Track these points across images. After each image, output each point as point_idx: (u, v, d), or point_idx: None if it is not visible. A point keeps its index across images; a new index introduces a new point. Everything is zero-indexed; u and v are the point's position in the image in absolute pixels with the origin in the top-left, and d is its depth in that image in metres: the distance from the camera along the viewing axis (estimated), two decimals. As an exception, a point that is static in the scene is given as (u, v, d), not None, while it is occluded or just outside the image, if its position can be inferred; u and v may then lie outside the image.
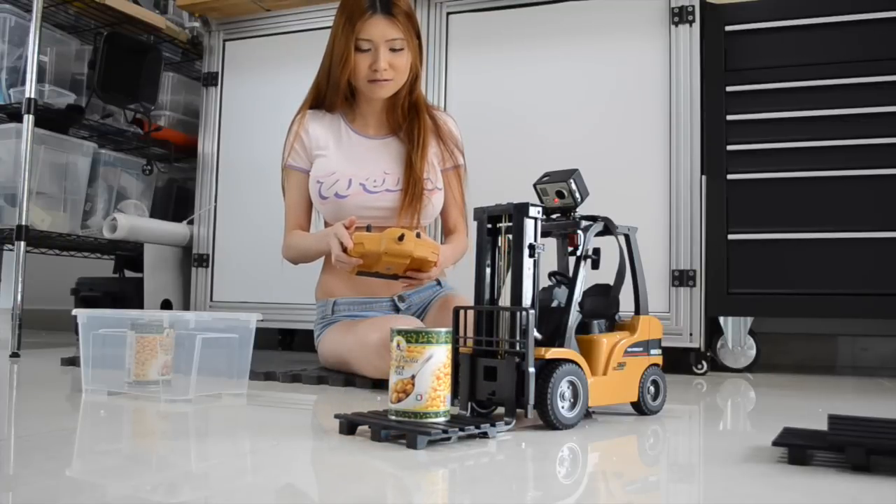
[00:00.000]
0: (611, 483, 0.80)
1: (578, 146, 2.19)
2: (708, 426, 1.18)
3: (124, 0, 2.48)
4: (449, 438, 0.94)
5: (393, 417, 0.99)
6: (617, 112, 2.17)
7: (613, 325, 1.21)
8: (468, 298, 1.76)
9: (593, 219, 1.19)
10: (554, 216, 1.23)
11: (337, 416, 1.01)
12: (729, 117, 2.06)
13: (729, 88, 2.07)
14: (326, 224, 1.78)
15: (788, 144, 2.02)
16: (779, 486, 0.76)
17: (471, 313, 1.13)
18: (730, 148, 2.06)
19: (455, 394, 1.10)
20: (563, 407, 1.06)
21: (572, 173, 1.19)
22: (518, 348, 1.04)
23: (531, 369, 1.02)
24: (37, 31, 2.16)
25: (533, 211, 1.09)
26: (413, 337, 0.98)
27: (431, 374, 0.98)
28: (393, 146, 1.77)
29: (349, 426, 0.99)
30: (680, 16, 2.12)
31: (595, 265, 1.16)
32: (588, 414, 1.19)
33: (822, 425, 0.88)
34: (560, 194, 1.20)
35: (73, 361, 1.79)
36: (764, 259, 2.02)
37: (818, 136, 1.99)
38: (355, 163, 1.73)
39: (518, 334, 1.04)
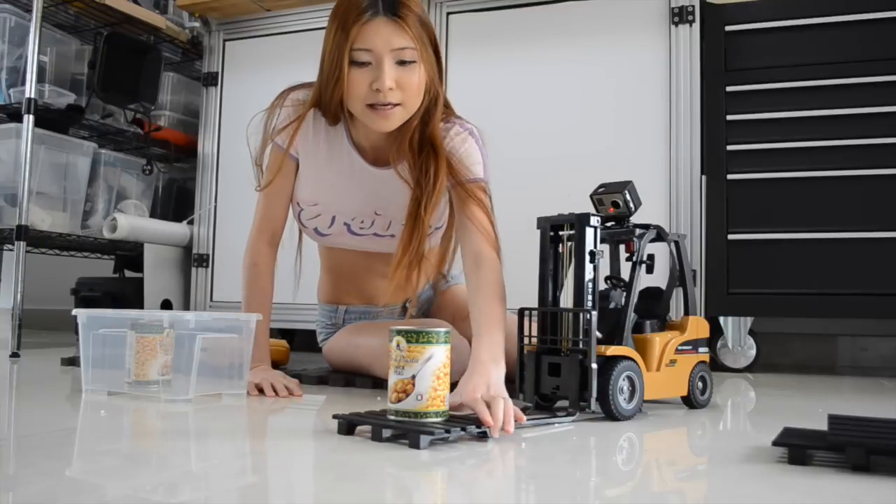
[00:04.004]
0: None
1: (578, 145, 2.19)
2: (708, 426, 1.18)
3: (124, 0, 2.48)
4: (450, 438, 0.94)
5: (392, 417, 0.99)
6: (616, 111, 2.17)
7: (664, 325, 1.29)
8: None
9: (646, 227, 1.27)
10: (608, 224, 1.30)
11: (335, 417, 1.01)
12: (729, 117, 2.06)
13: (729, 88, 2.07)
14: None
15: (788, 144, 2.01)
16: (779, 486, 0.76)
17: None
18: (730, 148, 2.06)
19: (520, 388, 1.20)
20: (622, 399, 1.14)
21: (626, 185, 1.27)
22: (581, 346, 1.13)
23: (594, 365, 1.11)
24: (37, 31, 2.16)
25: (593, 220, 1.18)
26: (413, 337, 0.98)
27: (432, 374, 0.98)
28: (395, 181, 1.42)
29: (348, 426, 0.99)
30: (680, 16, 2.12)
31: (650, 270, 1.24)
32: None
33: (822, 425, 0.88)
34: (615, 204, 1.28)
35: (73, 361, 1.79)
36: (764, 259, 2.02)
37: (818, 136, 1.99)
38: (343, 196, 1.46)
39: (581, 333, 1.13)
